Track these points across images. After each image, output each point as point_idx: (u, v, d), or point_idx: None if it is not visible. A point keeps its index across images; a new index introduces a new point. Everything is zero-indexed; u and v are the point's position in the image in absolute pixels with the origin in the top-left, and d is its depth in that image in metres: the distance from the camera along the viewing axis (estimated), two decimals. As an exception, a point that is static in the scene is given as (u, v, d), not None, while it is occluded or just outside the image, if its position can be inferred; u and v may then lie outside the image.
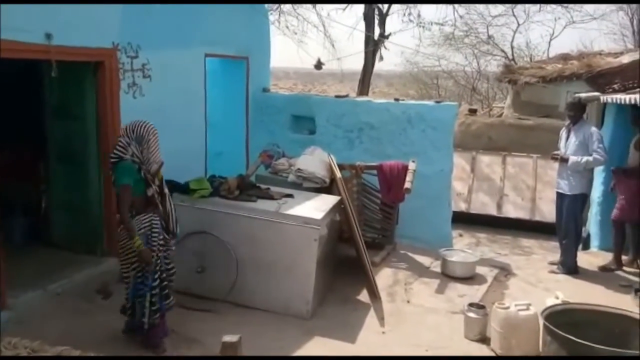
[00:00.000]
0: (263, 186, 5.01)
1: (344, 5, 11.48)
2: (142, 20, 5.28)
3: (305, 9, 11.33)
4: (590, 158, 5.27)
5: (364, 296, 4.83)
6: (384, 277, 5.28)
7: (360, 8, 11.08)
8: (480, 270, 5.52)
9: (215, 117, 6.76)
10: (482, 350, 3.96)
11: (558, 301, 3.85)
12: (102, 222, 5.09)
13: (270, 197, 4.69)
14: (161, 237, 3.65)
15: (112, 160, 3.55)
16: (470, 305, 4.20)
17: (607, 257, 5.87)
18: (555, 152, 5.64)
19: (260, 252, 4.37)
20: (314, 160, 5.57)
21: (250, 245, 4.38)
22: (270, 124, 7.10)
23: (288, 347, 3.88)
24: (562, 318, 3.37)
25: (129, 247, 3.51)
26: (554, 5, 14.61)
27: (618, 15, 17.88)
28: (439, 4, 11.76)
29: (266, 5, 7.94)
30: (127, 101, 5.18)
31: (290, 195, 4.79)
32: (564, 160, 5.43)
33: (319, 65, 11.43)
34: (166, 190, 3.76)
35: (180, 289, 4.45)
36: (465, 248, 6.32)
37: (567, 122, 5.69)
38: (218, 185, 4.65)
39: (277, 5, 10.53)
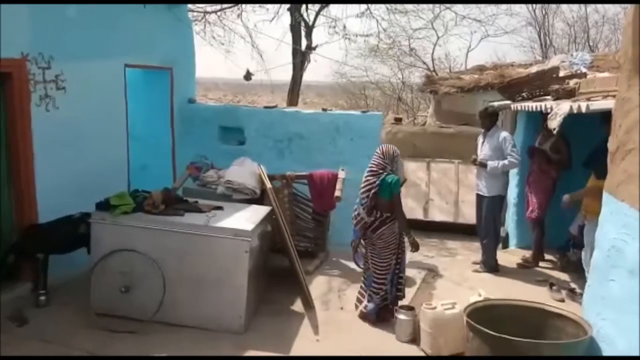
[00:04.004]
0: (191, 199, 4.87)
1: (270, 17, 11.54)
2: (55, 29, 5.00)
3: (231, 20, 11.26)
4: (506, 162, 5.62)
5: (298, 306, 4.81)
6: (317, 285, 5.30)
7: (287, 20, 11.19)
8: (409, 272, 5.67)
9: (138, 130, 6.52)
10: (412, 351, 4.07)
11: (480, 298, 4.04)
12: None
13: (199, 210, 4.57)
14: None
15: (376, 173, 4.43)
16: (401, 307, 4.31)
17: (524, 255, 6.26)
18: (474, 157, 5.97)
19: (189, 268, 4.23)
20: (243, 171, 5.51)
21: (178, 261, 4.23)
22: (197, 135, 6.95)
23: (220, 363, 3.77)
24: (484, 314, 3.52)
25: (397, 242, 4.44)
26: (470, 19, 15.54)
27: (527, 29, 19.42)
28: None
29: (190, 15, 7.80)
30: (40, 114, 4.87)
31: (219, 208, 4.69)
32: (483, 165, 5.76)
33: (248, 76, 11.36)
34: None
35: (103, 310, 4.23)
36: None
37: (483, 129, 6.05)
38: (142, 200, 4.46)
39: (201, 15, 10.38)
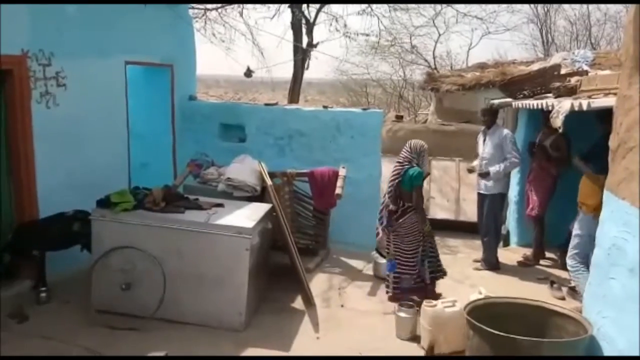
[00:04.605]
0: (191, 197, 4.87)
1: (271, 14, 11.51)
2: (55, 26, 5.00)
3: (232, 17, 11.23)
4: (507, 163, 5.62)
5: (298, 303, 4.82)
6: (318, 283, 5.30)
7: (288, 17, 11.16)
8: (410, 270, 5.69)
9: (139, 127, 6.51)
10: (412, 348, 4.08)
11: (481, 296, 4.04)
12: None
13: (199, 208, 4.57)
14: None
15: (402, 165, 4.74)
16: (401, 305, 4.31)
17: (524, 252, 6.26)
18: (471, 166, 6.00)
19: (190, 265, 4.23)
20: (244, 169, 5.51)
21: (178, 258, 4.23)
22: (198, 132, 6.95)
23: (220, 360, 3.78)
24: (484, 312, 3.52)
25: (419, 230, 4.75)
26: (471, 17, 15.49)
27: (529, 27, 19.37)
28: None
29: (190, 12, 7.78)
30: (40, 111, 4.88)
31: (220, 205, 4.69)
32: (485, 175, 5.75)
33: (248, 73, 11.34)
34: None
35: (104, 307, 4.24)
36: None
37: (483, 127, 6.05)
38: (142, 197, 4.46)
39: (202, 12, 10.36)
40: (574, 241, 4.62)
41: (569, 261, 4.66)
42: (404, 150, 4.84)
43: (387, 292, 4.96)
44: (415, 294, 4.72)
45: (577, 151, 5.09)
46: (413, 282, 4.81)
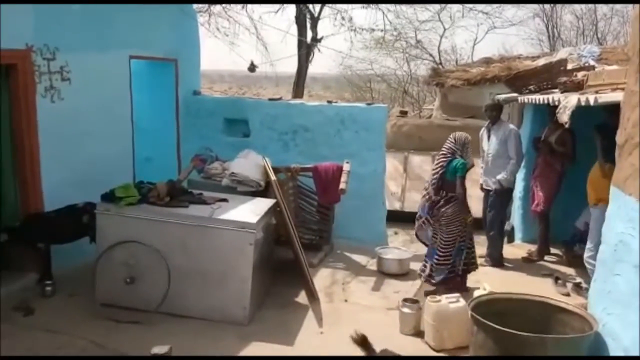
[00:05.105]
0: (196, 191, 4.87)
1: (275, 8, 11.47)
2: (60, 20, 5.00)
3: (236, 11, 11.21)
4: (510, 167, 5.61)
5: (302, 298, 4.82)
6: (322, 278, 5.30)
7: (292, 11, 11.13)
8: (415, 266, 5.67)
9: (143, 121, 6.52)
10: (416, 344, 4.07)
11: (485, 292, 4.03)
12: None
13: (203, 202, 4.57)
14: None
15: (446, 156, 4.87)
16: (405, 300, 4.31)
17: (529, 249, 6.23)
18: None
19: (194, 259, 4.24)
20: (248, 164, 5.50)
21: (183, 253, 4.24)
22: (202, 127, 6.94)
23: (223, 354, 3.78)
24: (488, 308, 3.50)
25: (459, 220, 4.84)
26: (476, 12, 15.40)
27: (535, 21, 19.21)
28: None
29: (194, 6, 7.76)
30: (45, 105, 4.89)
31: (224, 200, 4.69)
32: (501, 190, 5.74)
33: (252, 67, 11.33)
34: None
35: (108, 301, 4.26)
36: (400, 246, 6.48)
37: (487, 122, 6.01)
38: (147, 191, 4.46)
39: (206, 6, 10.33)
40: (594, 238, 4.51)
41: (592, 260, 4.51)
42: (448, 141, 4.97)
43: (420, 276, 5.12)
44: (445, 285, 4.82)
45: (581, 147, 5.05)
46: (447, 272, 4.90)
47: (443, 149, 4.96)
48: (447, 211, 4.87)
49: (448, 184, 4.86)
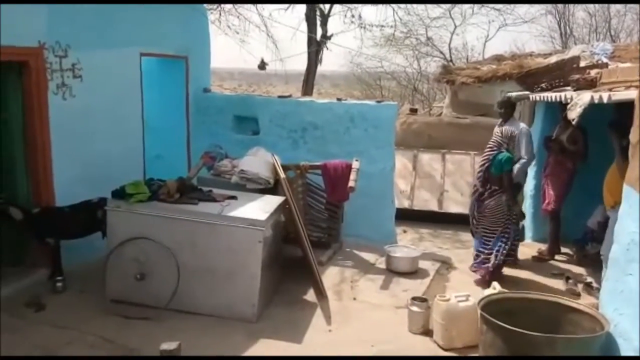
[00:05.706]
0: (205, 188, 4.89)
1: (285, 6, 11.46)
2: (72, 18, 5.03)
3: (246, 8, 11.21)
4: (518, 165, 5.45)
5: (310, 296, 4.82)
6: (330, 276, 5.30)
7: (302, 9, 11.11)
8: (423, 264, 5.66)
9: (153, 119, 6.55)
10: (425, 342, 4.06)
11: (494, 291, 4.00)
12: (30, 230, 4.79)
13: (213, 200, 4.59)
14: None
15: (492, 150, 5.05)
16: (414, 299, 4.29)
17: (539, 247, 6.18)
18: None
19: (203, 256, 4.26)
20: (257, 161, 5.51)
21: (192, 250, 4.26)
22: (212, 125, 6.96)
23: (231, 351, 3.80)
24: (498, 307, 3.49)
25: (503, 212, 5.00)
26: (488, 8, 15.26)
27: (547, 18, 19.02)
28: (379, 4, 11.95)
29: (205, 4, 7.78)
30: (57, 102, 4.93)
31: (233, 197, 4.70)
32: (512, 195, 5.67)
33: (262, 65, 11.35)
34: None
35: (118, 297, 4.29)
36: (409, 244, 6.46)
37: (500, 120, 5.94)
38: (157, 188, 4.49)
39: (216, 4, 10.35)
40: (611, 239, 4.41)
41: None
42: (495, 135, 5.11)
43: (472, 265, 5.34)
44: (479, 272, 5.10)
45: (593, 146, 4.98)
46: (482, 262, 5.09)
47: (490, 142, 5.10)
48: (490, 204, 5.05)
49: (493, 177, 5.01)
